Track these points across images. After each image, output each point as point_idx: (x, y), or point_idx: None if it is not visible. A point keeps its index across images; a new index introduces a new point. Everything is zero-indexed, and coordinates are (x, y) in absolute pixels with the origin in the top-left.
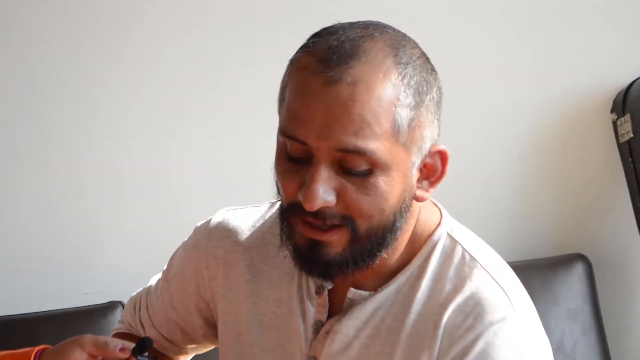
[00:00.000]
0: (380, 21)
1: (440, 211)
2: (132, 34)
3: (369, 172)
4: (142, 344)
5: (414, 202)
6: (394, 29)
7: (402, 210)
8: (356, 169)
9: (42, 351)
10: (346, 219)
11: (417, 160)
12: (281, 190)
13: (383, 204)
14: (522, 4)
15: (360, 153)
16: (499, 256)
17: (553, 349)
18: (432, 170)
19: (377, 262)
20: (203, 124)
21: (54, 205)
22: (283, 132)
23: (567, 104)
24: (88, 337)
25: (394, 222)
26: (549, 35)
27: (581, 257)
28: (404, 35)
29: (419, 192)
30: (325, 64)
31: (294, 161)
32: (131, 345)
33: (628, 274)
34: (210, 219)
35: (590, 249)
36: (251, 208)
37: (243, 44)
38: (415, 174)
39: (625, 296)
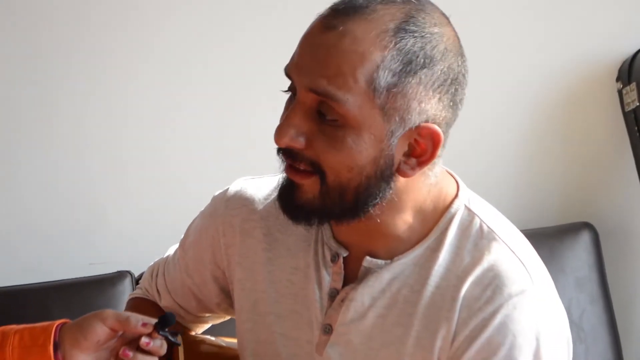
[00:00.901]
0: None
1: (457, 182)
2: (138, 12)
3: (339, 125)
4: (165, 319)
5: (430, 173)
6: (428, 3)
7: (378, 177)
8: (328, 115)
9: (62, 325)
10: (315, 166)
11: (398, 130)
12: None
13: (349, 162)
14: None
15: (329, 97)
16: (515, 228)
17: None
18: (423, 150)
19: (368, 226)
20: (209, 98)
21: (59, 174)
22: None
23: (573, 73)
24: (109, 312)
25: (367, 186)
26: (553, 3)
27: (587, 226)
28: (436, 12)
29: (404, 167)
30: (332, 13)
31: (292, 100)
32: (153, 320)
33: (634, 243)
34: (228, 188)
35: (596, 217)
36: (268, 177)
37: (247, 24)
38: (396, 144)
39: (632, 264)
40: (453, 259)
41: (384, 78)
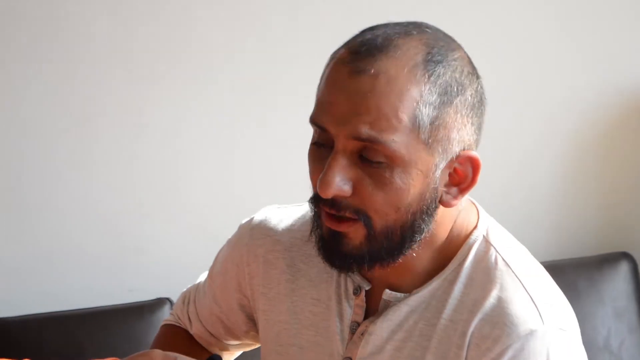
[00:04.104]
0: (425, 22)
1: (477, 212)
2: (199, 33)
3: (386, 167)
4: None
5: (461, 201)
6: (437, 30)
7: (424, 211)
8: (373, 158)
9: None
10: (360, 214)
11: (441, 162)
12: (310, 179)
13: (398, 202)
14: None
15: (374, 142)
16: (536, 262)
17: (599, 348)
18: (463, 177)
19: (400, 261)
20: (251, 123)
21: (99, 202)
22: (310, 119)
23: (612, 102)
24: (158, 352)
25: (413, 223)
26: (597, 32)
27: (626, 256)
28: (448, 37)
29: (446, 198)
30: (354, 56)
31: (321, 150)
32: None
33: None
34: (253, 217)
35: (635, 247)
36: (293, 207)
37: (299, 45)
38: (439, 176)
39: None
40: (467, 291)
41: (426, 112)
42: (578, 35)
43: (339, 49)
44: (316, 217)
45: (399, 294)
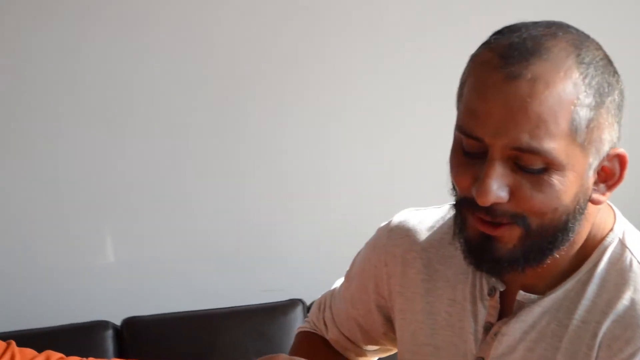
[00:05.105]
0: (562, 21)
1: (614, 214)
2: (323, 44)
3: (544, 170)
4: None
5: (590, 205)
6: (577, 30)
7: (576, 211)
8: (531, 166)
9: None
10: (517, 218)
11: (594, 162)
12: (455, 184)
13: (556, 203)
14: None
15: (534, 153)
16: None
17: None
18: (610, 174)
19: (548, 262)
20: (383, 126)
21: (233, 203)
22: (460, 128)
23: None
24: (283, 356)
25: (566, 223)
26: None
27: None
28: (587, 36)
29: (595, 195)
30: (505, 60)
31: (469, 156)
32: None
33: None
34: (391, 220)
35: None
36: (432, 209)
37: (425, 46)
38: (591, 176)
39: None
40: (600, 293)
41: (583, 115)
42: None
43: (481, 52)
44: (461, 221)
45: (533, 296)
